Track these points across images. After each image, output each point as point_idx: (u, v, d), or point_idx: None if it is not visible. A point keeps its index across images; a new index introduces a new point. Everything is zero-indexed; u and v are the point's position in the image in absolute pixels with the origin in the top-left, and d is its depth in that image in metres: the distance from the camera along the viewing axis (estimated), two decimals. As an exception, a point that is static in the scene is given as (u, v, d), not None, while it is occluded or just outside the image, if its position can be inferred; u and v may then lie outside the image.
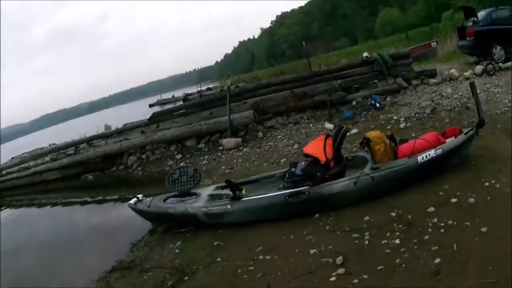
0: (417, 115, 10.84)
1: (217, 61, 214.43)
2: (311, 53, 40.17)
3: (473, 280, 3.90)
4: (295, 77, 15.20)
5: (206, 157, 12.32)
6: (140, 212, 7.43)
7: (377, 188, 6.19)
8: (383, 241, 5.03)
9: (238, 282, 4.97)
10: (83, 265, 7.27)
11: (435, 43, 27.04)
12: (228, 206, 6.56)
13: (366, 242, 5.13)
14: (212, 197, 7.10)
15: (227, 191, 7.00)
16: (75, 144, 15.91)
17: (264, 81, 18.46)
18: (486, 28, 16.00)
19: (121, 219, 9.50)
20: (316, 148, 6.68)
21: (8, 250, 8.81)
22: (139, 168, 13.50)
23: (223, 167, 10.92)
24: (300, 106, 13.58)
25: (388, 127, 9.97)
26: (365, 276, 4.41)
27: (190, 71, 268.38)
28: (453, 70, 14.20)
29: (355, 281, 4.38)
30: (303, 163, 6.81)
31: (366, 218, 5.73)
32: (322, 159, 6.45)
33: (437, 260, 4.35)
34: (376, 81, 14.12)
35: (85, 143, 15.74)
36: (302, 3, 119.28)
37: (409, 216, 5.48)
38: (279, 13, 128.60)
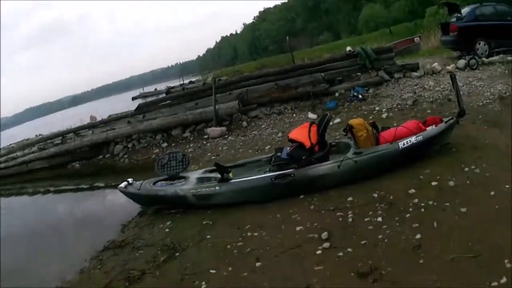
0: (399, 106, 11.10)
1: (199, 56, 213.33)
2: (294, 47, 40.37)
3: (454, 253, 4.15)
4: (279, 69, 15.40)
5: (191, 145, 12.52)
6: (130, 195, 7.62)
7: (360, 171, 6.48)
8: (366, 219, 5.31)
9: (228, 257, 5.19)
10: (75, 247, 7.41)
11: (418, 38, 27.31)
12: (217, 188, 6.80)
13: (350, 220, 5.40)
14: (201, 180, 7.31)
15: (215, 174, 7.23)
16: (62, 134, 15.99)
17: (249, 74, 18.65)
18: (470, 24, 16.22)
19: (110, 205, 9.86)
20: (301, 134, 6.98)
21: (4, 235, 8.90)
22: (125, 156, 13.64)
23: (208, 154, 11.15)
24: (284, 97, 13.76)
25: (370, 117, 10.17)
26: (349, 250, 4.66)
27: (172, 65, 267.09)
28: (435, 64, 14.39)
29: (340, 253, 4.64)
30: (288, 148, 7.08)
31: (350, 198, 6.00)
32: (307, 143, 6.75)
33: (418, 236, 4.62)
34: (359, 74, 14.30)
35: (72, 133, 15.82)
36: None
37: (391, 197, 5.76)
38: (262, 9, 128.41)
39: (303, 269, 4.52)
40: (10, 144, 18.28)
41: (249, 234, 5.70)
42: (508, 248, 4.01)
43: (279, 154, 7.07)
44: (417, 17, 47.69)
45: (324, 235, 5.07)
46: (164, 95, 36.96)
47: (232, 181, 6.84)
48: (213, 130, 12.79)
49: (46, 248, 7.84)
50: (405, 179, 6.23)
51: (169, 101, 15.40)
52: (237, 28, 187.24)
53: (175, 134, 13.68)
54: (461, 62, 14.13)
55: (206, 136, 12.87)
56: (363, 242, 4.78)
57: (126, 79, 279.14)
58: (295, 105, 13.58)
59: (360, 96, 12.74)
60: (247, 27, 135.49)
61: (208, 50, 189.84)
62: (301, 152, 6.76)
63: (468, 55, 14.55)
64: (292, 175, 6.51)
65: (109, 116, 17.80)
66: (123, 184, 7.61)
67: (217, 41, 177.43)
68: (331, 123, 9.66)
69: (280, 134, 11.18)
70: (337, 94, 13.49)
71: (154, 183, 7.51)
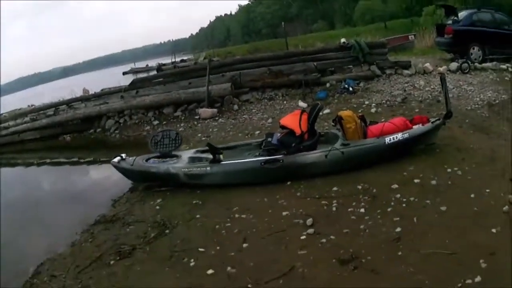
0: (388, 102, 11.29)
1: (192, 34, 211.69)
2: (288, 33, 40.36)
3: (431, 249, 4.41)
4: (274, 55, 15.62)
5: (182, 124, 12.68)
6: (122, 170, 7.78)
7: (346, 162, 6.76)
8: (350, 209, 5.59)
9: (217, 236, 5.43)
10: (65, 220, 7.54)
11: (413, 36, 27.46)
12: (208, 168, 7.03)
13: (334, 209, 5.67)
14: (193, 160, 7.54)
15: (206, 155, 7.45)
16: (55, 106, 16.03)
17: (244, 57, 18.77)
18: (466, 28, 16.38)
19: (100, 180, 10.04)
20: (292, 121, 7.24)
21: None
22: (116, 132, 13.78)
23: (199, 134, 11.32)
24: (276, 83, 13.90)
25: (360, 111, 10.26)
26: (332, 237, 4.93)
27: (164, 42, 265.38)
28: (427, 64, 14.52)
29: (323, 240, 4.90)
30: (278, 134, 7.33)
31: (335, 188, 6.27)
32: (297, 131, 7.02)
33: (398, 229, 4.89)
34: (351, 66, 14.45)
35: (65, 105, 15.87)
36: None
37: (374, 190, 6.04)
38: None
39: (287, 252, 4.78)
40: (2, 114, 18.24)
41: (237, 215, 5.94)
42: (484, 248, 4.27)
43: (269, 139, 7.33)
44: (414, 14, 47.87)
45: (309, 221, 5.33)
46: (155, 71, 37.14)
47: (223, 162, 7.07)
48: (205, 111, 12.93)
49: (35, 221, 7.99)
50: (389, 174, 6.51)
51: (163, 79, 15.52)
52: (232, 9, 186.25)
53: (166, 113, 13.82)
54: (453, 65, 14.32)
55: (197, 117, 13.01)
56: (345, 230, 5.04)
57: (118, 53, 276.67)
58: (286, 92, 13.75)
59: (350, 89, 12.91)
60: (242, 9, 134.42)
61: (202, 29, 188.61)
62: (291, 139, 7.02)
63: (461, 59, 14.75)
64: (281, 160, 6.76)
65: (101, 89, 17.86)
66: (116, 159, 7.75)
67: (211, 20, 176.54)
68: (321, 113, 9.91)
69: (270, 120, 11.34)
70: (328, 85, 13.64)
71: (146, 160, 7.69)
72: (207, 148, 7.39)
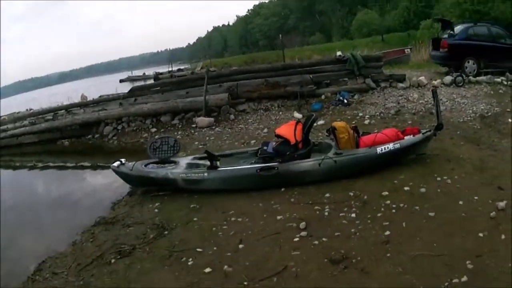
0: (381, 115, 11.56)
1: (189, 44, 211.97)
2: (285, 45, 40.67)
3: (418, 251, 4.69)
4: (271, 67, 15.97)
5: (180, 132, 12.85)
6: (122, 175, 7.98)
7: (339, 170, 7.05)
8: (341, 214, 5.87)
9: (214, 238, 5.68)
10: (65, 222, 7.76)
11: (409, 49, 27.58)
12: (205, 174, 7.28)
13: (326, 214, 5.95)
14: (190, 166, 7.79)
15: (204, 162, 7.74)
16: (54, 110, 16.23)
17: (241, 68, 19.01)
18: (461, 42, 16.47)
19: (99, 184, 10.15)
20: (287, 130, 7.54)
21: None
22: (114, 138, 13.97)
23: (196, 142, 11.50)
24: (273, 95, 14.14)
25: (353, 122, 10.48)
26: (324, 239, 5.20)
27: (161, 51, 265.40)
28: (422, 77, 14.71)
29: (316, 242, 5.17)
30: (274, 143, 7.64)
31: (327, 195, 6.56)
32: (292, 140, 7.32)
33: (387, 233, 5.17)
34: (346, 79, 14.65)
35: (64, 110, 16.06)
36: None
37: (365, 197, 6.33)
38: (257, 2, 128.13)
39: (281, 252, 5.04)
40: (1, 116, 18.37)
41: (233, 219, 6.20)
42: (471, 251, 4.53)
43: (265, 147, 7.63)
44: (411, 27, 48.26)
45: (302, 225, 5.61)
46: (152, 80, 37.34)
47: (220, 169, 7.33)
48: (202, 120, 13.15)
49: (34, 223, 8.15)
50: (380, 182, 6.80)
51: (161, 87, 15.78)
52: (230, 19, 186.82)
53: (164, 121, 14.03)
54: (448, 78, 14.45)
55: (194, 125, 13.23)
56: (337, 233, 5.32)
57: (115, 60, 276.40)
58: (282, 103, 14.00)
59: (345, 101, 13.16)
60: (240, 20, 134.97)
61: (199, 39, 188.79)
62: (286, 147, 7.32)
63: (456, 72, 14.89)
64: (276, 168, 7.04)
65: (99, 96, 18.07)
66: (116, 164, 7.95)
67: (209, 30, 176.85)
68: (315, 124, 10.17)
69: (265, 130, 11.57)
70: (323, 97, 13.90)
71: (145, 165, 7.91)
72: (204, 155, 7.68)
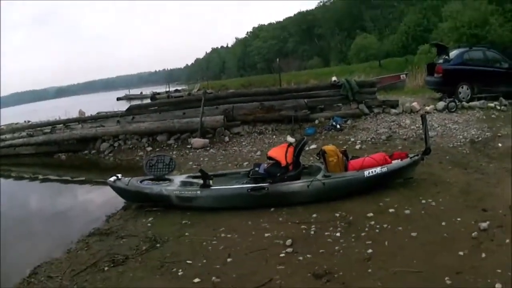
0: (372, 140, 11.86)
1: (187, 64, 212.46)
2: (282, 69, 41.07)
3: (399, 267, 4.95)
4: (266, 90, 16.35)
5: (175, 152, 13.10)
6: (118, 189, 8.24)
7: (327, 192, 7.35)
8: (326, 233, 6.15)
9: (203, 251, 5.94)
10: (60, 231, 8.04)
11: (404, 75, 27.87)
12: (198, 192, 7.57)
13: (312, 232, 6.23)
14: (184, 184, 8.07)
15: (197, 180, 8.03)
16: (52, 124, 16.55)
17: (238, 91, 19.33)
18: (455, 67, 16.62)
19: (94, 198, 10.36)
20: (279, 152, 7.85)
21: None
22: (110, 155, 14.24)
23: (190, 163, 11.75)
24: (267, 118, 14.45)
25: (345, 147, 10.62)
26: (309, 256, 5.47)
27: (159, 70, 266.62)
28: (414, 103, 14.98)
29: (300, 258, 5.44)
30: (265, 164, 7.97)
31: (314, 215, 6.84)
32: (283, 162, 7.60)
33: (370, 251, 5.44)
34: (340, 104, 14.95)
35: (62, 124, 16.39)
36: (280, 18, 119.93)
37: (351, 217, 6.61)
38: (256, 25, 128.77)
39: (267, 266, 5.31)
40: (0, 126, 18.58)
41: (223, 235, 6.46)
42: (450, 268, 4.79)
43: (256, 168, 7.93)
44: (409, 52, 48.18)
45: (288, 242, 5.88)
46: (149, 100, 37.67)
47: (212, 187, 7.64)
48: (197, 141, 13.44)
49: (29, 232, 8.36)
50: (366, 204, 7.09)
51: (158, 107, 16.09)
52: (229, 41, 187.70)
53: (160, 140, 14.32)
54: (441, 104, 14.72)
55: (189, 146, 13.50)
56: (321, 251, 5.59)
57: (113, 78, 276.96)
58: (276, 127, 14.32)
59: (338, 126, 13.45)
60: (239, 42, 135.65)
61: (197, 60, 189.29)
62: (276, 169, 7.60)
63: (449, 98, 15.12)
64: (266, 188, 7.34)
65: (97, 113, 18.37)
66: (112, 178, 8.20)
67: (207, 52, 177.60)
68: (307, 148, 10.56)
69: (258, 153, 11.84)
70: (316, 122, 14.21)
71: (141, 181, 8.18)
72: (198, 174, 7.99)
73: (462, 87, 16.29)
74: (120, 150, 14.39)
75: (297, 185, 7.41)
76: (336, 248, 5.65)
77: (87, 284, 5.33)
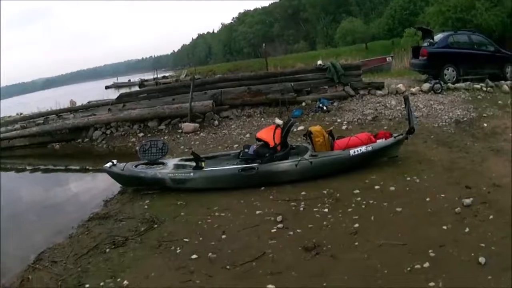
0: (359, 120, 12.21)
1: (174, 51, 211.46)
2: (269, 53, 41.16)
3: (384, 240, 5.28)
4: (253, 75, 16.50)
5: (166, 137, 13.32)
6: (114, 175, 8.52)
7: (314, 171, 7.72)
8: (315, 209, 6.51)
9: (199, 230, 6.27)
10: (60, 218, 8.20)
11: (390, 58, 27.83)
12: (191, 174, 7.90)
13: (301, 209, 6.60)
14: (177, 166, 8.39)
15: (190, 163, 8.37)
16: (45, 115, 16.73)
17: (225, 76, 19.50)
18: (440, 50, 16.75)
19: (90, 185, 10.63)
20: (267, 134, 8.21)
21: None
22: (103, 142, 14.45)
23: (181, 147, 12.06)
24: (255, 102, 14.74)
25: (331, 128, 10.75)
26: (298, 230, 5.84)
27: (146, 58, 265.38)
28: (400, 85, 15.12)
29: (291, 233, 5.81)
30: (254, 145, 8.30)
31: (303, 193, 7.20)
32: (271, 143, 7.96)
33: (356, 225, 5.81)
34: (326, 87, 15.24)
35: (54, 115, 16.58)
36: (266, 3, 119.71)
37: (338, 194, 6.98)
38: (242, 11, 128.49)
39: (260, 241, 5.66)
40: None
41: (217, 214, 6.81)
42: (434, 241, 5.10)
43: (246, 150, 8.26)
44: (395, 35, 48.51)
45: (279, 218, 6.24)
46: (137, 87, 37.76)
47: (205, 169, 7.96)
48: (187, 126, 13.70)
49: (26, 220, 8.59)
50: (353, 182, 7.45)
51: (148, 94, 16.35)
52: (215, 27, 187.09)
53: (151, 126, 14.56)
54: (426, 86, 14.91)
55: (180, 131, 13.77)
56: (310, 226, 5.95)
57: (100, 66, 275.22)
58: (264, 110, 14.60)
59: (324, 108, 13.74)
60: (225, 27, 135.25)
61: (183, 46, 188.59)
62: (265, 150, 7.97)
63: (434, 80, 15.31)
64: (256, 168, 7.70)
65: (88, 102, 18.54)
66: (108, 164, 8.46)
67: (193, 38, 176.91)
68: (295, 129, 10.85)
69: (248, 135, 12.16)
70: (304, 104, 14.48)
71: (136, 166, 8.47)
72: (190, 156, 8.35)
73: (448, 69, 16.38)
74: (112, 137, 14.61)
75: (286, 164, 7.76)
76: (324, 223, 6.00)
77: (91, 266, 5.60)
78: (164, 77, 57.80)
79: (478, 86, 15.00)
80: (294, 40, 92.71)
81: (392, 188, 6.98)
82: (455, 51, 16.70)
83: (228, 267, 5.09)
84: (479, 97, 13.96)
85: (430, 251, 4.89)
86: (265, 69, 23.45)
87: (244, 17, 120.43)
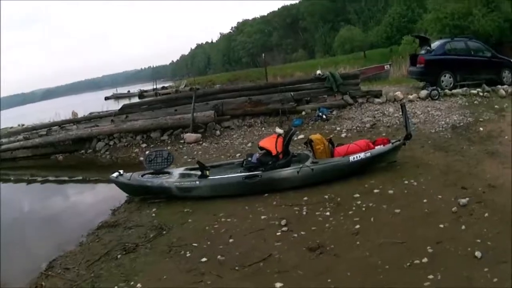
0: (358, 128, 12.42)
1: (172, 61, 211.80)
2: (268, 62, 41.34)
3: (384, 239, 5.56)
4: (254, 86, 16.86)
5: (169, 147, 13.40)
6: (120, 184, 8.75)
7: (315, 177, 7.99)
8: (317, 213, 6.79)
9: (207, 235, 6.54)
10: (68, 228, 8.48)
11: (388, 66, 28.10)
12: (197, 182, 8.16)
13: (304, 213, 6.88)
14: (183, 175, 8.62)
15: (195, 172, 8.61)
16: (48, 126, 16.96)
17: (226, 87, 19.75)
18: (437, 57, 16.85)
19: (95, 195, 10.89)
20: (269, 143, 8.48)
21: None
22: (106, 153, 14.62)
23: (184, 157, 12.25)
24: (256, 112, 14.96)
25: (331, 136, 11.19)
26: (302, 233, 6.12)
27: (144, 68, 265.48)
28: (398, 92, 15.31)
29: (295, 235, 6.10)
30: (257, 154, 8.57)
31: (305, 198, 7.47)
32: (274, 151, 8.23)
33: (357, 226, 6.10)
34: (325, 96, 15.43)
35: (57, 126, 16.83)
36: (265, 13, 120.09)
37: (339, 199, 7.24)
38: (241, 20, 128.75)
39: (266, 244, 5.93)
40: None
41: (223, 219, 7.06)
42: (431, 239, 5.36)
43: (249, 158, 8.53)
44: (394, 43, 48.60)
45: (283, 222, 6.53)
46: (137, 98, 37.92)
47: (210, 177, 8.21)
48: (190, 136, 13.90)
49: (37, 229, 8.91)
50: (353, 186, 7.71)
51: (149, 105, 16.54)
52: (214, 37, 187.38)
53: (154, 137, 14.78)
54: (423, 93, 15.04)
55: (182, 141, 13.96)
56: (313, 228, 6.24)
57: (99, 77, 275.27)
58: (265, 120, 14.83)
59: (324, 116, 13.95)
60: (224, 37, 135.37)
61: (182, 57, 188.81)
62: (268, 158, 8.24)
63: (431, 87, 15.47)
64: (259, 176, 7.97)
65: (90, 113, 18.77)
66: (115, 174, 8.71)
67: (192, 48, 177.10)
68: (295, 138, 11.08)
69: (249, 144, 12.35)
70: (303, 113, 14.71)
71: (142, 175, 8.70)
72: (195, 166, 8.66)
73: (445, 76, 16.47)
74: (115, 148, 14.79)
75: (288, 171, 8.02)
76: (327, 225, 6.28)
77: (103, 271, 5.82)
78: (163, 87, 57.92)
79: (475, 92, 15.07)
80: (292, 49, 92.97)
81: (391, 192, 7.24)
82: (452, 58, 16.81)
83: (237, 268, 5.35)
84: (475, 102, 14.08)
85: (428, 247, 5.15)
86: (264, 79, 23.74)
87: (242, 27, 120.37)
